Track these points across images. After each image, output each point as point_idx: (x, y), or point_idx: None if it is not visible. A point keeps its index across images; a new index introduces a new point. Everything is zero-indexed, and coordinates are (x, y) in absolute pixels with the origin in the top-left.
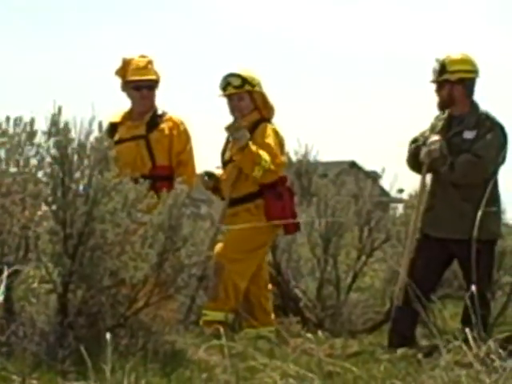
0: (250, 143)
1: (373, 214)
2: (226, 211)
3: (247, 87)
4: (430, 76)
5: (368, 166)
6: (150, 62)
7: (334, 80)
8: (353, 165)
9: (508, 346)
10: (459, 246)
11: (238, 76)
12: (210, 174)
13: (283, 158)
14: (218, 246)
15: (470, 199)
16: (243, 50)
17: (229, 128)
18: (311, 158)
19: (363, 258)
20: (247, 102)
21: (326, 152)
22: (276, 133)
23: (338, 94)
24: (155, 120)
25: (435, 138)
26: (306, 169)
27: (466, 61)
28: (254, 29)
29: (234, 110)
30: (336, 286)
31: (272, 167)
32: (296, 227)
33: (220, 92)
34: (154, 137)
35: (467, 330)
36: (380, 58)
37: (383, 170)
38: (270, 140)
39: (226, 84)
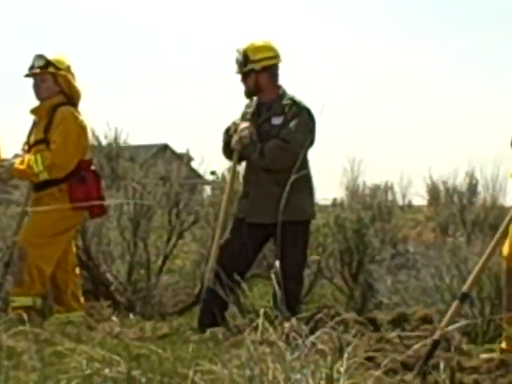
0: (15, 167)
1: (181, 195)
2: (30, 195)
3: (51, 69)
4: (234, 67)
5: (181, 148)
6: None
7: (144, 61)
8: (165, 147)
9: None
10: (274, 228)
11: (43, 57)
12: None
13: (59, 146)
14: (23, 231)
15: (282, 183)
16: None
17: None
18: (121, 141)
19: (173, 240)
20: (50, 83)
21: (139, 135)
22: (75, 117)
23: (150, 76)
24: None
25: (245, 124)
26: (117, 152)
27: (267, 47)
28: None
29: (36, 90)
30: (147, 268)
31: (47, 162)
32: (102, 210)
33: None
34: None
35: (271, 308)
36: (189, 40)
37: (188, 151)
38: (58, 128)
39: (31, 65)
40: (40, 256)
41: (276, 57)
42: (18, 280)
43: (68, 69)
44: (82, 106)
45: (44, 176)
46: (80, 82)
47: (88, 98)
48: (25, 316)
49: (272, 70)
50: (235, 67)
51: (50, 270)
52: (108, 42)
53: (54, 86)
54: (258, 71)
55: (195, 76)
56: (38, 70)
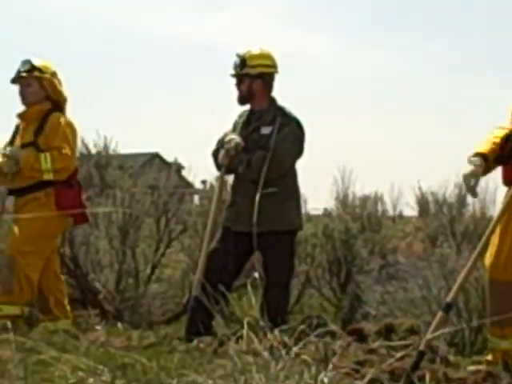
0: (23, 161)
1: (169, 204)
2: (5, 202)
3: (36, 73)
4: (231, 70)
5: (171, 157)
6: None
7: (134, 69)
8: (155, 156)
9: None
10: (259, 238)
11: (29, 62)
12: None
13: (69, 151)
14: (10, 239)
15: (269, 193)
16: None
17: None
18: (111, 150)
19: (161, 249)
20: (35, 88)
21: (129, 144)
22: (68, 124)
23: (140, 84)
24: None
25: (230, 136)
26: (106, 161)
27: (266, 56)
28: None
29: (22, 95)
30: (135, 277)
31: (59, 165)
32: (85, 218)
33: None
34: None
35: (257, 318)
36: (182, 47)
37: (176, 159)
38: (59, 134)
39: (17, 70)
40: (28, 264)
41: (273, 67)
42: (6, 289)
43: (54, 74)
44: (72, 113)
45: (48, 176)
46: (66, 88)
47: (78, 105)
48: (9, 324)
49: (267, 79)
50: (232, 70)
51: (37, 277)
52: (99, 50)
53: (39, 90)
54: (253, 76)
55: (185, 84)
56: (23, 74)
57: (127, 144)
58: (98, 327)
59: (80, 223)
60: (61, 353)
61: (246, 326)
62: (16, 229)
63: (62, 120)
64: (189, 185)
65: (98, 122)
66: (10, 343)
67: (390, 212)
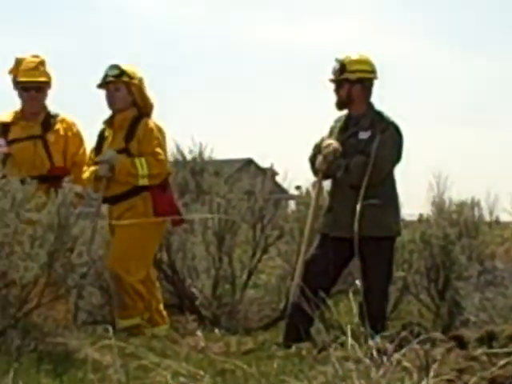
0: (119, 166)
1: (265, 210)
2: (100, 205)
3: (125, 78)
4: (330, 75)
5: (266, 163)
6: (41, 63)
7: (229, 75)
8: (249, 162)
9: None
10: (359, 243)
11: (117, 67)
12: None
13: (164, 157)
14: (113, 255)
15: (367, 199)
16: (138, 46)
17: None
18: (206, 156)
19: (258, 254)
20: (124, 93)
21: (224, 150)
22: (159, 129)
23: (234, 90)
24: (49, 120)
25: (328, 141)
26: (201, 167)
27: (365, 61)
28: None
29: (110, 100)
30: (232, 283)
31: (155, 171)
32: (182, 220)
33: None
34: (51, 137)
35: (356, 325)
36: (274, 53)
37: (272, 165)
38: (153, 140)
39: (104, 75)
40: (134, 279)
41: (372, 72)
42: (120, 305)
43: (141, 80)
44: (168, 120)
45: (143, 181)
46: (152, 95)
47: (173, 112)
48: (110, 330)
49: (366, 84)
50: (331, 75)
51: (143, 287)
52: (192, 58)
53: (127, 95)
54: (352, 82)
55: (279, 90)
56: (112, 79)
57: (222, 150)
58: (198, 333)
59: (177, 225)
60: (161, 358)
61: (347, 332)
62: (115, 242)
63: (154, 125)
64: (283, 191)
65: (193, 128)
66: (111, 348)
67: (487, 217)
